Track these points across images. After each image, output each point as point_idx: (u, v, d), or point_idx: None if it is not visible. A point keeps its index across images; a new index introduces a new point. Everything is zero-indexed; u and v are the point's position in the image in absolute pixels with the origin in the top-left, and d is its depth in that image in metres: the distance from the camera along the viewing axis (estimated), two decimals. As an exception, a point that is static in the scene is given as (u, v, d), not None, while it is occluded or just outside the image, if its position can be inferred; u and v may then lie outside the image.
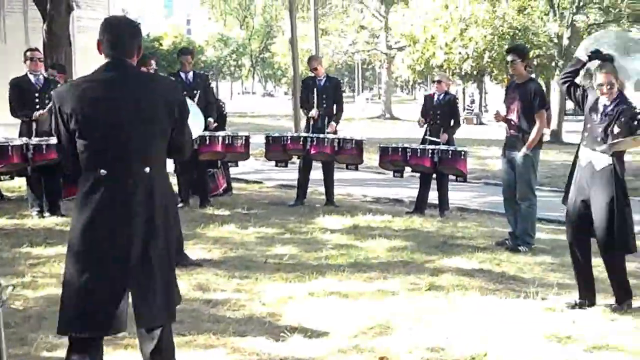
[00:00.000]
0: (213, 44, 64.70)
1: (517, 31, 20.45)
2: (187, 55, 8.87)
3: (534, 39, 20.53)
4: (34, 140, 8.00)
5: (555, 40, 20.64)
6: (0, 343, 2.51)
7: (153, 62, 7.96)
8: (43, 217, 8.15)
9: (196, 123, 6.24)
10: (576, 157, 5.24)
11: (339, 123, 9.52)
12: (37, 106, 8.08)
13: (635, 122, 4.92)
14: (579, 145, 5.24)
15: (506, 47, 13.27)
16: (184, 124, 3.32)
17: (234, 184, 10.72)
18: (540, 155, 7.24)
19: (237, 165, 10.37)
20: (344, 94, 10.39)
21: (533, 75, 25.22)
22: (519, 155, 6.93)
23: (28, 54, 8.28)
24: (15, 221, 8.00)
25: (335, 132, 9.29)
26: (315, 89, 9.19)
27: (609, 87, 4.97)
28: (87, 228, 3.08)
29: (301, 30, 34.77)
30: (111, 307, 3.06)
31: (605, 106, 5.03)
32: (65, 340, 3.27)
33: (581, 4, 21.19)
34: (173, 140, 3.28)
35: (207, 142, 8.83)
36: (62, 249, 6.53)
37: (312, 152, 9.10)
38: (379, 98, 46.81)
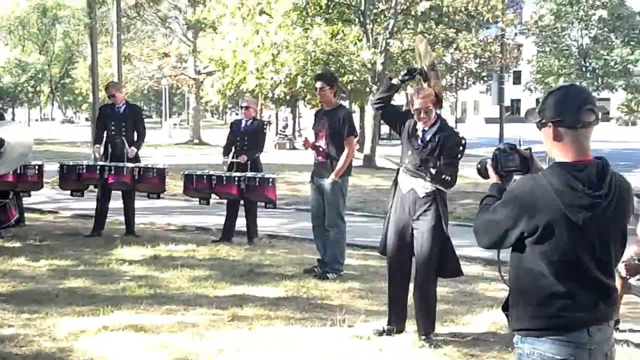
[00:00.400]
0: (10, 70, 61.84)
1: (330, 56, 20.92)
2: None
3: (347, 65, 21.09)
4: None
5: (369, 66, 21.21)
6: None
7: None
8: None
9: None
10: (395, 182, 5.16)
11: (140, 149, 9.14)
12: None
13: (460, 148, 4.92)
14: (397, 170, 5.13)
15: (318, 71, 13.45)
16: None
17: (28, 215, 10.02)
18: (349, 181, 7.35)
19: (29, 195, 9.59)
20: (151, 120, 10.09)
21: (346, 102, 26.37)
22: (327, 182, 6.91)
23: None
24: None
25: (136, 158, 8.92)
26: (113, 116, 8.88)
27: (425, 113, 4.87)
28: None
29: (105, 55, 33.58)
30: None
31: (424, 131, 4.94)
32: None
33: (395, 29, 22.17)
34: None
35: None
36: None
37: (110, 181, 8.69)
38: (188, 123, 46.25)
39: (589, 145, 2.51)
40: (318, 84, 7.16)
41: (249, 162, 8.59)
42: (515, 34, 32.24)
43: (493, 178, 2.81)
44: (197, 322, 5.25)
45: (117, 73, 20.55)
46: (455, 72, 33.33)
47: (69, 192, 9.39)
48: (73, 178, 8.89)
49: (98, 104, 15.88)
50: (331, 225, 7.00)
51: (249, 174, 8.54)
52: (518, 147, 2.83)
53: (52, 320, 5.21)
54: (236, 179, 8.51)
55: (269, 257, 8.01)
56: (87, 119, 66.21)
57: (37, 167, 8.74)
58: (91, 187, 9.37)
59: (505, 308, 2.67)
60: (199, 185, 8.86)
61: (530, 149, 2.77)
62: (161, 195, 9.34)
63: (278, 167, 16.79)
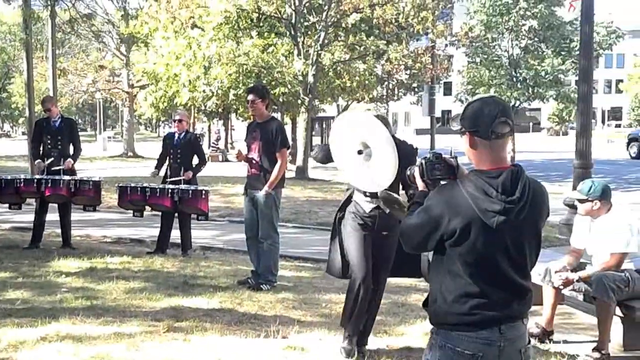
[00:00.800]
0: None
1: (262, 69, 20.98)
2: None
3: (279, 77, 21.17)
4: None
5: (300, 78, 21.35)
6: None
7: None
8: None
9: None
10: (346, 204, 5.08)
11: (76, 162, 9.19)
12: None
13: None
14: (351, 193, 5.06)
15: (251, 84, 13.50)
16: None
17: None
18: (282, 192, 7.46)
19: None
20: (86, 133, 10.13)
21: (278, 114, 26.45)
22: (260, 194, 6.96)
23: None
24: None
25: (72, 171, 8.96)
26: (48, 130, 8.92)
27: None
28: None
29: (40, 70, 32.98)
30: None
31: None
32: None
33: (326, 42, 22.35)
34: None
35: None
36: None
37: (47, 193, 8.71)
38: (122, 136, 45.65)
39: (504, 154, 2.69)
40: (250, 97, 7.20)
41: (182, 175, 8.73)
42: (446, 45, 32.80)
43: (420, 185, 2.94)
44: (133, 333, 5.33)
45: (52, 87, 20.30)
46: (386, 83, 33.92)
47: (7, 205, 9.41)
48: (10, 192, 8.87)
49: (34, 118, 15.73)
50: (265, 236, 7.06)
51: (182, 186, 8.68)
52: (445, 156, 2.92)
53: (-6, 331, 5.23)
54: (169, 191, 8.64)
55: (203, 268, 8.14)
56: (23, 133, 65.24)
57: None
58: (29, 200, 9.38)
59: (425, 304, 2.86)
60: (133, 197, 8.95)
61: (456, 157, 2.85)
62: (97, 208, 9.41)
63: (211, 180, 16.86)
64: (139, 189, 8.93)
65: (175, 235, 9.08)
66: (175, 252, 9.04)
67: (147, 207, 9.14)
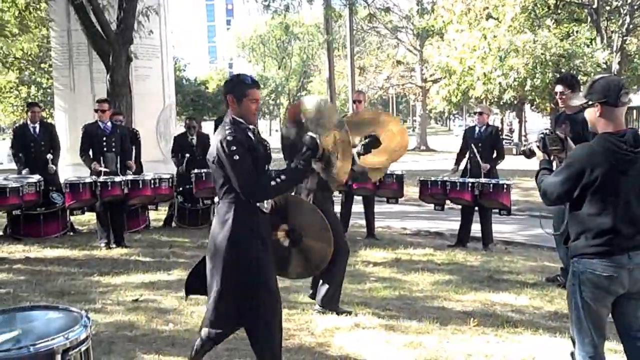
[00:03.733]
0: None
1: (561, 58, 19.79)
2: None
3: (580, 66, 19.82)
4: (101, 178, 8.70)
5: (604, 67, 19.87)
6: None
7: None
8: (110, 248, 8.79)
9: None
10: None
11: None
12: (105, 149, 8.83)
13: None
14: None
15: (549, 74, 12.72)
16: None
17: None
18: None
19: None
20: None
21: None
22: None
23: (96, 105, 9.03)
24: (86, 252, 8.56)
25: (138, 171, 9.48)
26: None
27: None
28: None
29: (337, 68, 35.31)
30: None
31: None
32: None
33: (631, 27, 20.57)
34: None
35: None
36: (127, 278, 7.02)
37: (354, 187, 9.07)
38: (413, 130, 46.86)
39: (623, 119, 3.47)
40: (558, 88, 6.80)
41: (485, 169, 8.55)
42: None
43: (540, 156, 3.96)
44: (443, 325, 5.34)
45: (350, 84, 21.44)
46: None
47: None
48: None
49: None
50: None
51: (483, 179, 8.49)
52: (556, 132, 3.97)
53: (309, 317, 5.61)
54: (470, 184, 8.52)
55: (507, 263, 7.89)
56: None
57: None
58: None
59: (565, 242, 3.63)
60: (433, 191, 9.00)
61: (564, 132, 3.72)
62: (398, 200, 9.63)
63: (507, 173, 16.35)
64: (439, 182, 8.93)
65: (475, 229, 8.93)
66: (476, 245, 8.88)
67: (447, 201, 9.11)
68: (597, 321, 3.48)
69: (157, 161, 9.90)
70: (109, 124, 8.94)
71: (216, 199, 4.02)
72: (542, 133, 3.82)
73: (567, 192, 3.45)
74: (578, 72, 19.60)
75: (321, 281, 5.68)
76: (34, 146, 9.58)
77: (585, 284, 3.44)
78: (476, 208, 8.78)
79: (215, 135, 3.93)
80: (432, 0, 24.01)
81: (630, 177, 3.36)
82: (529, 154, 4.02)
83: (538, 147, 3.94)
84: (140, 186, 9.06)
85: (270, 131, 74.19)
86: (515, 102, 27.23)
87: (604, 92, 3.41)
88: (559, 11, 22.12)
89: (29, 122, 9.73)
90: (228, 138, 3.74)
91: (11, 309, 2.99)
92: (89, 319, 2.69)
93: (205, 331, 3.89)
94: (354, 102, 9.36)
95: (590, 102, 3.46)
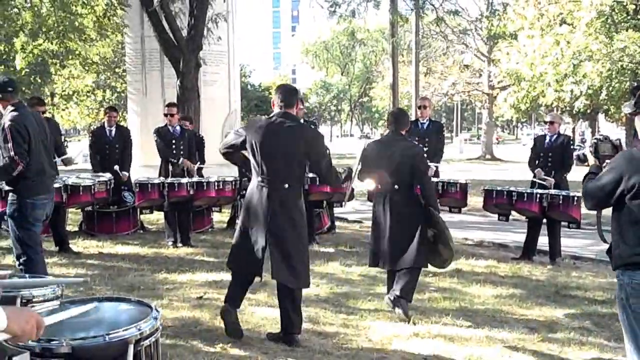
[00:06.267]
0: (316, 91, 68.58)
1: (639, 66, 18.98)
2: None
3: None
4: (169, 179, 9.10)
5: None
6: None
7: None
8: (177, 247, 9.13)
9: None
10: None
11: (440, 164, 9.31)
12: (174, 151, 9.21)
13: None
14: None
15: (627, 83, 12.15)
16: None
17: (338, 223, 11.03)
18: None
19: (342, 206, 10.47)
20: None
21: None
22: None
23: (166, 110, 9.39)
24: (155, 250, 8.95)
25: (436, 175, 9.16)
26: (417, 132, 9.02)
27: None
28: None
29: (400, 74, 35.14)
30: None
31: None
32: (197, 356, 4.56)
33: None
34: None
35: (317, 183, 9.08)
36: (193, 276, 7.25)
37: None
38: (478, 138, 46.13)
39: None
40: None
41: (550, 184, 8.35)
42: None
43: (591, 161, 3.91)
44: (506, 339, 5.26)
45: (415, 90, 21.29)
46: None
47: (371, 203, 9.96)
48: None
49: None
50: None
51: (553, 191, 8.28)
52: (610, 138, 3.88)
53: (367, 323, 5.64)
54: (538, 196, 8.32)
55: (575, 279, 7.65)
56: (381, 135, 70.83)
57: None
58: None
59: (608, 252, 3.52)
60: (498, 201, 8.81)
61: (619, 139, 3.74)
62: (462, 210, 9.51)
63: (578, 185, 15.88)
64: (505, 192, 8.75)
65: (542, 242, 8.72)
66: (543, 259, 8.66)
67: (513, 212, 8.92)
68: None
69: (222, 165, 10.05)
70: (177, 127, 9.33)
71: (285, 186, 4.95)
72: (596, 138, 3.88)
73: (606, 197, 3.42)
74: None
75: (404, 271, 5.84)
76: (108, 148, 9.95)
77: (634, 296, 3.35)
78: (544, 220, 8.56)
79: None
80: (504, 2, 23.56)
81: None
82: (583, 159, 4.23)
83: (591, 152, 3.94)
84: (205, 188, 9.32)
85: (331, 137, 74.48)
86: (589, 111, 26.42)
87: None
88: (639, 16, 21.31)
89: (106, 125, 10.08)
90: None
91: (86, 299, 3.12)
92: (158, 311, 2.77)
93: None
94: (418, 107, 9.30)
95: (638, 110, 3.49)
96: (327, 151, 9.92)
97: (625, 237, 3.35)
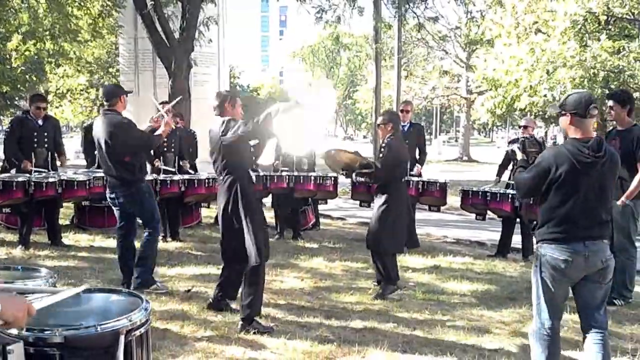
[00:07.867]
0: None
1: (610, 73, 19.45)
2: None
3: (630, 82, 19.33)
4: (161, 177, 9.40)
5: None
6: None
7: None
8: (166, 241, 9.36)
9: None
10: None
11: (423, 166, 9.66)
12: (165, 149, 9.54)
13: None
14: None
15: (598, 90, 12.51)
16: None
17: (322, 220, 11.39)
18: None
19: (326, 203, 10.82)
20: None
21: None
22: (617, 205, 6.37)
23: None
24: None
25: (419, 175, 9.54)
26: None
27: None
28: None
29: (383, 78, 35.53)
30: None
31: None
32: (184, 347, 4.65)
33: None
34: None
35: (301, 181, 9.46)
36: (181, 270, 7.48)
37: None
38: (456, 141, 46.76)
39: (591, 128, 4.01)
40: (609, 103, 6.75)
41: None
42: None
43: (520, 156, 4.78)
44: (480, 331, 5.62)
45: (396, 94, 21.71)
46: None
47: (357, 202, 10.32)
48: (363, 190, 9.72)
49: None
50: (620, 249, 6.42)
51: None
52: (535, 137, 4.62)
53: (350, 314, 5.99)
54: (510, 196, 8.71)
55: (546, 275, 8.03)
56: (364, 137, 71.77)
57: (333, 178, 9.75)
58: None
59: (533, 229, 4.19)
60: (474, 201, 9.22)
61: (543, 138, 3.97)
62: (440, 209, 9.90)
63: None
64: (480, 193, 9.16)
65: (516, 240, 9.10)
66: (516, 256, 9.06)
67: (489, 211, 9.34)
68: (552, 300, 4.05)
69: (210, 162, 10.40)
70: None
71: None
72: (524, 137, 4.72)
73: (536, 187, 4.04)
74: (629, 88, 19.34)
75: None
76: None
77: (545, 266, 4.01)
78: (518, 219, 8.96)
79: None
80: (481, 10, 24.00)
81: (591, 177, 3.91)
82: (512, 155, 5.30)
83: (519, 149, 4.94)
84: (196, 185, 9.62)
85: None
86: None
87: (575, 105, 3.98)
88: (610, 27, 21.86)
89: None
90: None
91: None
92: (149, 303, 2.83)
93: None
94: (401, 111, 9.67)
95: (563, 112, 4.04)
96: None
97: (548, 218, 3.99)
